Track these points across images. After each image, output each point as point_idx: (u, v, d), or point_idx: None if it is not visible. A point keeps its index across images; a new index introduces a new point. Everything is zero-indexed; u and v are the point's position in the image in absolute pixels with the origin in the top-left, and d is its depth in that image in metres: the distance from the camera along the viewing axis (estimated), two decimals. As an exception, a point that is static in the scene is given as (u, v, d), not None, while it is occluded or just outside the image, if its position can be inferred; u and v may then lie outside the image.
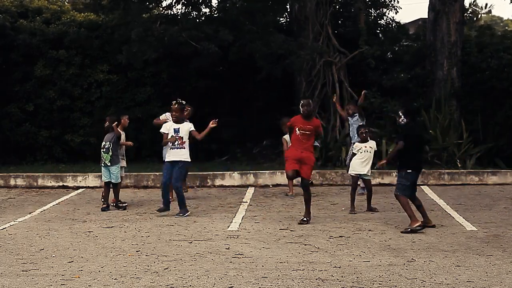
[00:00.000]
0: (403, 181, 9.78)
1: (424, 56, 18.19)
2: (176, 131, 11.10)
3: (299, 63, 16.87)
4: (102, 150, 12.01)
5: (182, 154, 11.07)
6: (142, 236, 9.60)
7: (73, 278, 7.30)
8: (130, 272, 7.53)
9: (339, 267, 7.65)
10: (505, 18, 45.21)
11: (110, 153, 11.85)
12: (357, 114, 13.10)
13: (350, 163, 11.78)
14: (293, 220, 10.67)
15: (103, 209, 11.87)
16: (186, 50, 16.74)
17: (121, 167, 12.22)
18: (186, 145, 11.11)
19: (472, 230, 9.83)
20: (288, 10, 19.24)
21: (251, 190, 14.13)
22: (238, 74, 18.52)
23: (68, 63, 18.22)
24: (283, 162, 11.28)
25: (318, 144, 14.14)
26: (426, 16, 18.77)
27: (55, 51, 18.10)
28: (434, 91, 17.63)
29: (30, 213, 11.82)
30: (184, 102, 11.35)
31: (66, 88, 18.17)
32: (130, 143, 12.49)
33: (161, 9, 18.28)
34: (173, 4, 17.57)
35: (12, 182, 15.29)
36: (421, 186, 14.12)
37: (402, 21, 20.49)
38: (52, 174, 15.55)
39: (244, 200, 12.92)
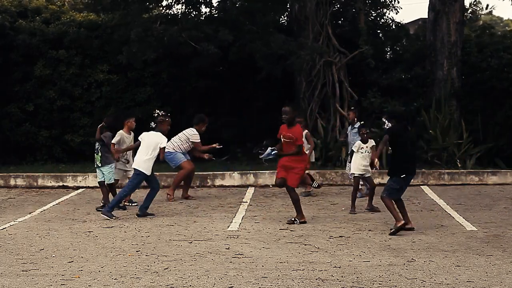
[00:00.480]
0: (394, 185, 9.62)
1: (424, 56, 18.19)
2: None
3: (299, 63, 16.84)
4: (94, 151, 12.11)
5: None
6: (142, 236, 9.61)
7: (73, 278, 7.31)
8: (130, 272, 7.53)
9: (339, 267, 7.66)
10: (505, 18, 45.21)
11: (100, 154, 11.87)
12: (356, 126, 12.78)
13: (351, 164, 11.76)
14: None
15: (97, 209, 11.90)
16: (186, 50, 16.73)
17: (126, 171, 12.24)
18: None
19: (472, 230, 9.83)
20: (288, 10, 19.22)
21: (251, 190, 14.13)
22: (238, 74, 18.50)
23: (68, 63, 18.20)
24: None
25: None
26: (426, 16, 18.77)
27: (55, 51, 18.07)
28: (434, 91, 17.63)
29: (30, 213, 11.82)
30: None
31: (66, 88, 18.16)
32: (132, 146, 12.41)
33: (161, 9, 18.27)
34: (173, 4, 17.57)
35: (12, 182, 15.30)
36: (421, 186, 14.15)
37: (402, 21, 20.48)
38: (52, 174, 15.56)
39: (244, 200, 12.92)
